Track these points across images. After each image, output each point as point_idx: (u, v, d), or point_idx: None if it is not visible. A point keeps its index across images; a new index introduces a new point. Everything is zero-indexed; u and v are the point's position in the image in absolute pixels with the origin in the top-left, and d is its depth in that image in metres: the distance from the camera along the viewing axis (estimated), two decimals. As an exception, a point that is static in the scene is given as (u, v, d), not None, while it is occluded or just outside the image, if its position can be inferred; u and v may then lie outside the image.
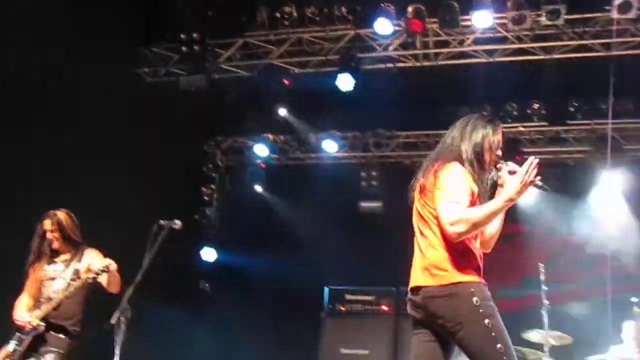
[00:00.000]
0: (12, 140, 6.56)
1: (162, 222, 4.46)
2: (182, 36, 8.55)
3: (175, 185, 8.84)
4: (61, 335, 5.14)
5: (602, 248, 8.25)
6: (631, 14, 7.70)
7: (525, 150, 9.56)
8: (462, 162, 3.49)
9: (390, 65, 8.97)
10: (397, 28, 8.31)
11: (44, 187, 6.71)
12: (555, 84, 9.17)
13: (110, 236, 5.92)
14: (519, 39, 8.46)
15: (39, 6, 6.85)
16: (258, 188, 10.62)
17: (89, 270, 5.13)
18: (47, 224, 5.34)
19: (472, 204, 3.37)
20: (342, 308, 8.09)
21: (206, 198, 10.52)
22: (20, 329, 5.08)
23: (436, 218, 3.39)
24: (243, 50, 9.26)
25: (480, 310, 3.24)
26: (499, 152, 3.63)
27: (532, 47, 8.53)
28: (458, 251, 3.36)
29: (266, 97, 9.31)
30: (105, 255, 5.28)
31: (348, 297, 8.13)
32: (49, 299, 5.16)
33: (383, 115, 9.85)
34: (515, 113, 9.51)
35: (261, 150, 10.22)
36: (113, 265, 5.05)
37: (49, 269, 5.33)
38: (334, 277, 8.89)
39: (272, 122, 9.62)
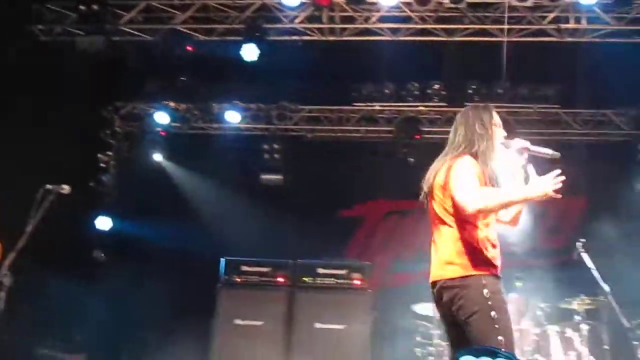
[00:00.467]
0: None
1: (48, 186, 4.27)
2: (80, -7, 8.14)
3: (71, 151, 8.49)
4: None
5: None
6: (528, 2, 8.00)
7: (424, 129, 9.80)
8: (473, 155, 3.66)
9: (296, 37, 8.92)
10: (304, 0, 8.26)
11: None
12: (455, 66, 9.45)
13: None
14: (423, 20, 8.61)
15: None
16: (157, 156, 10.37)
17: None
18: None
19: None
20: (238, 279, 8.05)
21: (103, 165, 10.16)
22: None
23: (451, 214, 3.59)
24: (145, 13, 8.93)
25: (489, 303, 3.41)
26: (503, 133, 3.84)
27: (435, 28, 8.71)
28: (470, 245, 3.53)
29: (168, 63, 9.04)
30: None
31: (244, 268, 8.09)
32: None
33: (287, 88, 9.83)
34: (416, 92, 9.72)
35: (162, 117, 9.96)
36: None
37: None
38: (232, 248, 8.84)
39: (174, 89, 9.38)
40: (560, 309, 7.11)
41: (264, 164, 10.06)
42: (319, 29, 8.86)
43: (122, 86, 9.98)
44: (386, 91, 9.83)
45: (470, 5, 8.28)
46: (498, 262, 3.61)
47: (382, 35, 8.81)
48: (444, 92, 9.62)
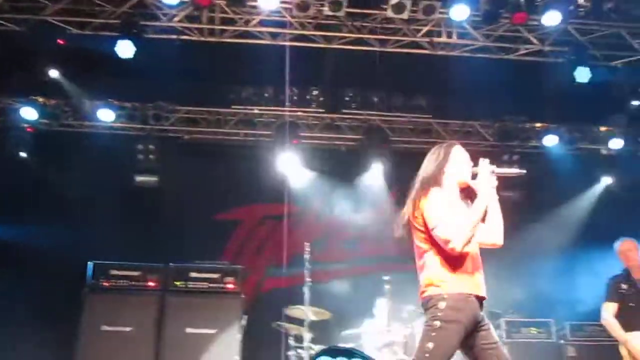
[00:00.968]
0: None
1: None
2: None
3: None
4: None
5: (364, 230, 8.82)
6: (404, 15, 8.27)
7: (302, 134, 9.90)
8: (431, 185, 3.92)
9: (174, 36, 8.75)
10: (184, -1, 8.13)
11: None
12: (334, 73, 9.63)
13: None
14: (302, 26, 8.70)
15: None
16: (23, 154, 9.80)
17: None
18: None
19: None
20: (106, 283, 7.74)
21: (-37, 162, 9.49)
22: None
23: (425, 241, 3.84)
24: (13, 1, 8.45)
25: (439, 314, 3.66)
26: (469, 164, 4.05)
27: (314, 35, 8.83)
28: (439, 268, 3.77)
29: (37, 57, 8.57)
30: None
31: (113, 272, 7.78)
32: None
33: (165, 88, 9.60)
34: (295, 98, 9.82)
35: (29, 113, 9.43)
36: None
37: None
38: (104, 251, 8.49)
39: (43, 84, 8.92)
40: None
41: (138, 165, 9.75)
42: (199, 29, 8.74)
43: (-16, 79, 9.37)
44: (265, 95, 9.86)
45: (348, 14, 8.46)
46: (473, 278, 3.80)
47: (262, 38, 8.82)
48: (322, 99, 9.79)
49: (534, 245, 9.35)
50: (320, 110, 9.89)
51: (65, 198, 9.51)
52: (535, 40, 8.96)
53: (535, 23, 8.58)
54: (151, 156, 9.72)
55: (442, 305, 3.68)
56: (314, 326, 7.13)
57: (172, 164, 9.79)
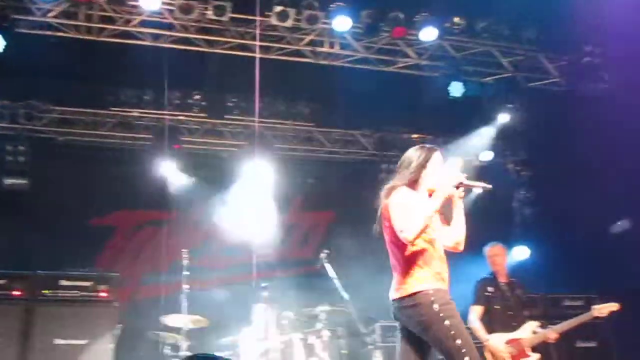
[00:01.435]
0: None
1: None
2: None
3: None
4: None
5: (244, 237, 8.77)
6: (287, 23, 8.33)
7: (183, 139, 9.73)
8: (408, 185, 4.08)
9: (49, 33, 8.34)
10: (59, -5, 7.78)
11: None
12: (217, 78, 9.53)
13: None
14: (185, 28, 8.56)
15: None
16: None
17: None
18: None
19: None
20: (-35, 293, 7.25)
21: None
22: None
23: (392, 241, 4.03)
24: None
25: (441, 315, 3.81)
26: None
27: (197, 38, 8.70)
28: (417, 264, 3.96)
29: None
30: None
31: (-28, 280, 7.31)
32: None
33: (38, 86, 9.14)
34: (177, 101, 9.65)
35: None
36: None
37: None
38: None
39: None
40: (305, 317, 7.41)
41: (7, 167, 9.20)
42: (75, 26, 8.38)
43: None
44: (145, 97, 9.62)
45: (232, 19, 8.41)
46: (445, 275, 4.02)
47: (143, 39, 8.59)
48: (204, 103, 9.66)
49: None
50: (202, 115, 9.76)
51: None
52: (412, 54, 9.29)
53: (414, 38, 8.91)
54: (21, 157, 9.19)
55: (436, 306, 3.83)
56: (191, 334, 7.00)
57: (44, 166, 9.31)
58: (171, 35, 8.60)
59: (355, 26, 8.60)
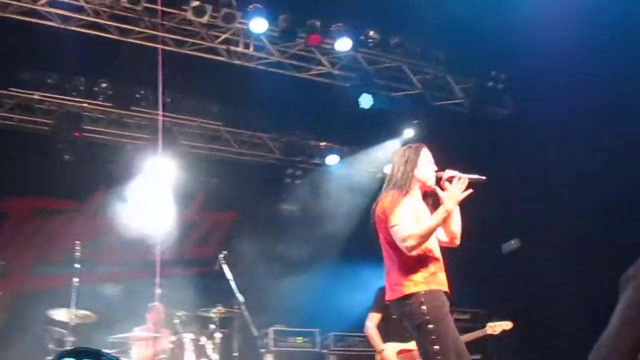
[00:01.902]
0: None
1: None
2: None
3: None
4: None
5: (142, 233, 8.56)
6: (204, 19, 8.23)
7: (86, 127, 9.41)
8: (401, 189, 4.09)
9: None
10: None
11: None
12: (127, 68, 9.26)
13: None
14: (97, 13, 8.29)
15: None
16: None
17: None
18: None
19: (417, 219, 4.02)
20: None
21: None
22: None
23: (388, 243, 4.05)
24: None
25: (426, 317, 3.86)
26: (434, 168, 4.23)
27: (109, 25, 8.44)
28: (411, 266, 3.99)
29: None
30: None
31: None
32: None
33: None
34: (82, 88, 9.32)
35: None
36: None
37: None
38: None
39: None
40: (198, 317, 7.33)
41: None
42: (-23, 1, 7.95)
43: None
44: (49, 81, 9.23)
45: (147, 9, 8.21)
46: (442, 275, 4.06)
47: (51, 20, 8.24)
48: (111, 92, 9.37)
49: (308, 258, 9.72)
50: (108, 104, 9.47)
51: None
52: (326, 63, 9.39)
53: (329, 47, 9.00)
54: None
55: (424, 308, 3.87)
56: (78, 330, 6.75)
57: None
58: (81, 19, 8.29)
59: (271, 29, 8.61)
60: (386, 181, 4.30)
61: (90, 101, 9.37)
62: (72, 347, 6.11)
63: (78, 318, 6.74)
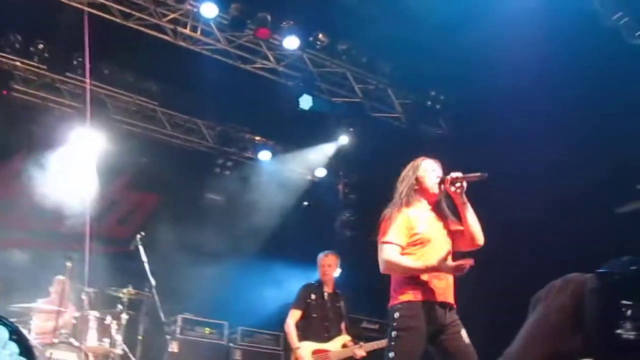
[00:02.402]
0: None
1: None
2: None
3: None
4: None
5: (58, 203, 8.32)
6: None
7: (15, 86, 9.07)
8: (395, 206, 4.23)
9: None
10: None
11: None
12: (68, 33, 8.96)
13: None
14: (44, -28, 8.02)
15: None
16: None
17: None
18: None
19: (411, 236, 4.15)
20: None
21: None
22: None
23: None
24: None
25: (394, 324, 4.01)
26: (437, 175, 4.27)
27: (54, -14, 8.16)
28: (402, 278, 4.11)
29: None
30: None
31: None
32: None
33: None
34: (17, 45, 8.95)
35: None
36: None
37: None
38: None
39: None
40: (106, 296, 7.17)
41: None
42: None
43: None
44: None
45: (98, -24, 8.00)
46: (437, 283, 4.05)
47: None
48: (47, 55, 9.03)
49: (227, 250, 9.66)
50: (43, 66, 9.13)
51: None
52: (272, 58, 9.36)
53: (277, 43, 8.98)
54: None
55: (397, 315, 4.01)
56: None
57: None
58: (26, -24, 7.99)
59: (221, 16, 8.53)
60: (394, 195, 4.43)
61: (24, 60, 9.01)
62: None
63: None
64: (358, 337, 7.10)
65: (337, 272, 7.02)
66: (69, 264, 6.50)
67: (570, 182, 6.98)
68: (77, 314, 6.82)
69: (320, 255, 6.91)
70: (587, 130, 7.00)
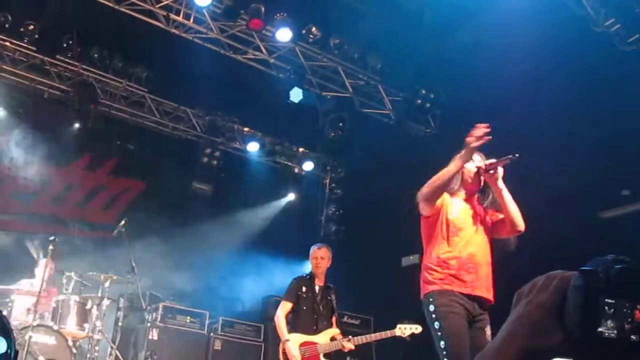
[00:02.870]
0: None
1: None
2: None
3: None
4: None
5: (42, 186, 8.27)
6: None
7: (4, 67, 8.98)
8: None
9: None
10: None
11: None
12: (59, 15, 8.89)
13: None
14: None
15: None
16: None
17: None
18: None
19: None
20: None
21: None
22: None
23: (423, 239, 4.30)
24: None
25: (433, 316, 4.01)
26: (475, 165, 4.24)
27: (46, -33, 8.10)
28: (430, 267, 4.15)
29: None
30: None
31: None
32: None
33: None
34: (7, 25, 8.85)
35: None
36: None
37: None
38: None
39: None
40: (88, 280, 7.12)
41: None
42: None
43: None
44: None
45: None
46: (466, 276, 4.04)
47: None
48: (37, 36, 8.94)
49: (211, 240, 9.65)
50: (32, 47, 9.04)
51: None
52: (264, 50, 9.33)
53: (269, 34, 8.95)
54: None
55: (432, 307, 4.02)
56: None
57: None
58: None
59: (215, 5, 8.49)
60: None
61: (13, 41, 8.92)
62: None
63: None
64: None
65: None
66: (52, 246, 6.44)
67: (557, 186, 7.02)
68: (57, 298, 6.77)
69: (313, 248, 6.85)
70: (576, 134, 7.05)
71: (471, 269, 4.08)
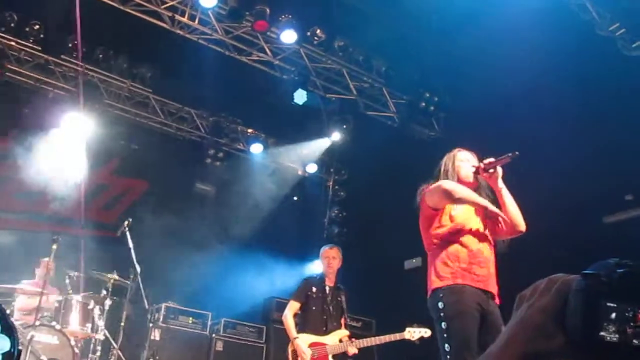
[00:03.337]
0: None
1: None
2: None
3: None
4: None
5: (46, 185, 8.27)
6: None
7: (9, 66, 9.01)
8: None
9: None
10: None
11: None
12: (66, 16, 8.89)
13: None
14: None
15: None
16: None
17: None
18: None
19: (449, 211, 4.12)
20: None
21: None
22: None
23: (423, 230, 4.17)
24: None
25: (441, 314, 3.85)
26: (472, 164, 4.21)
27: (52, -33, 8.12)
28: (441, 261, 4.00)
29: None
30: None
31: None
32: None
33: None
34: (12, 25, 8.88)
35: None
36: None
37: None
38: None
39: None
40: (90, 281, 7.14)
41: None
42: None
43: None
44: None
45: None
46: (478, 270, 3.93)
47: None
48: (42, 36, 8.97)
49: (214, 241, 9.65)
50: (37, 47, 9.07)
51: None
52: (268, 51, 9.34)
53: (274, 36, 8.96)
54: None
55: (441, 304, 3.86)
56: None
57: None
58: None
59: (220, 6, 8.50)
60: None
61: (19, 40, 8.95)
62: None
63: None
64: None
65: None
66: (54, 246, 6.46)
67: (561, 191, 7.01)
68: (60, 297, 6.78)
69: (325, 248, 6.84)
70: (580, 139, 7.03)
71: (482, 264, 4.00)
